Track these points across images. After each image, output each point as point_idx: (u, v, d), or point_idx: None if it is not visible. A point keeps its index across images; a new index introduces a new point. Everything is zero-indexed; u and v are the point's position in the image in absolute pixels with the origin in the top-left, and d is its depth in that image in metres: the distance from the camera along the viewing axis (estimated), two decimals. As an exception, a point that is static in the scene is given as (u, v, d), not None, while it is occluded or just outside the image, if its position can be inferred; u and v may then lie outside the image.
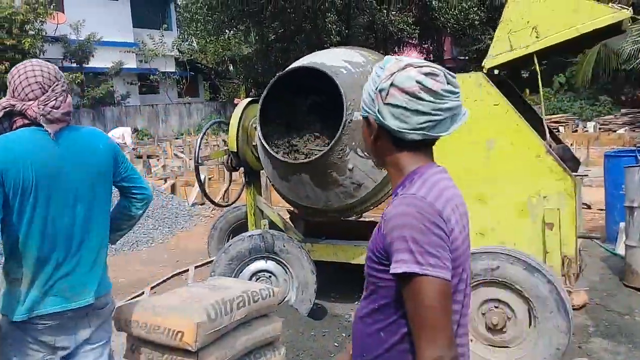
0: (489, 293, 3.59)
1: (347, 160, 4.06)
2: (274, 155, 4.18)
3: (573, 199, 3.59)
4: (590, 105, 21.52)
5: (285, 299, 4.44)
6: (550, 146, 3.76)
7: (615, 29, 3.92)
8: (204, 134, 5.43)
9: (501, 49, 3.81)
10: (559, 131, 17.07)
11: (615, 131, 18.06)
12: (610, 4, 3.61)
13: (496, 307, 3.57)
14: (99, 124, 24.94)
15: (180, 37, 29.41)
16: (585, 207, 7.93)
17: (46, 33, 22.50)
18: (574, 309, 4.48)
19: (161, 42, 28.13)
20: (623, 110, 20.30)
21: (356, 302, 5.02)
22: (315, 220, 5.17)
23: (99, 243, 2.41)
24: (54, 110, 2.20)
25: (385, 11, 25.02)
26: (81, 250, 2.31)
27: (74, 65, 25.05)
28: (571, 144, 12.84)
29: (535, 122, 4.01)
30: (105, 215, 2.43)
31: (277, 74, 4.24)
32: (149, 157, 14.35)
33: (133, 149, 13.95)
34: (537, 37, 3.70)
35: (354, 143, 4.02)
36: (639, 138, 14.69)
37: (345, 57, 4.41)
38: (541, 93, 3.97)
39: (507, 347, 3.57)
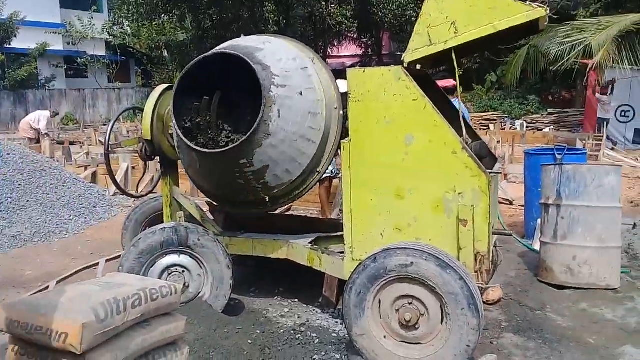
0: (403, 289, 3.55)
1: (265, 150, 3.93)
2: (188, 144, 4.00)
3: (487, 195, 3.60)
4: (519, 104, 22.24)
5: (199, 295, 4.28)
6: (467, 143, 3.76)
7: (533, 28, 3.95)
8: (116, 120, 5.17)
9: (420, 44, 3.75)
10: (488, 128, 17.56)
11: (541, 130, 18.73)
12: (528, 2, 3.61)
13: (409, 304, 3.54)
14: (20, 108, 23.75)
15: (112, 20, 28.34)
16: (507, 203, 8.14)
17: (-36, 9, 21.17)
18: (489, 304, 4.56)
19: (90, 24, 26.99)
20: (550, 110, 21.11)
21: (275, 297, 4.92)
22: (235, 213, 5.01)
23: None
24: None
25: (324, 3, 24.94)
26: None
27: (-5, 44, 23.71)
28: (498, 141, 13.19)
29: (454, 119, 3.99)
30: None
31: (192, 61, 4.05)
32: (71, 143, 13.72)
33: (46, 134, 13.27)
34: (455, 32, 3.66)
35: (271, 133, 3.89)
36: (562, 137, 15.27)
37: (268, 42, 4.28)
38: (459, 89, 3.97)
39: (419, 343, 3.55)
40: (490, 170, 3.74)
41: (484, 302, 3.81)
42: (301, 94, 4.00)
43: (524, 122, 19.78)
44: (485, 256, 3.62)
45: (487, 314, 4.15)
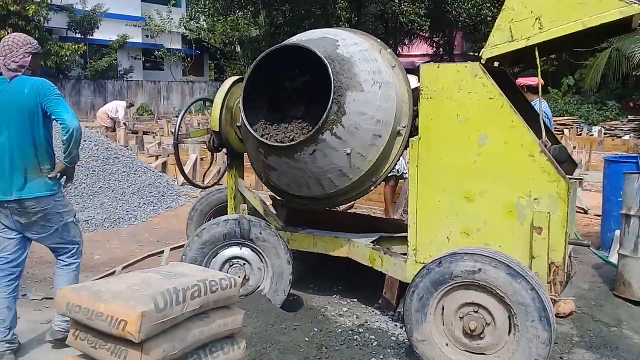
0: (469, 296, 3.38)
1: (285, 167, 3.99)
2: (255, 136, 3.97)
3: (565, 203, 3.38)
4: (598, 109, 21.22)
5: (259, 288, 4.25)
6: (545, 146, 3.54)
7: (625, 26, 3.68)
8: (186, 110, 5.22)
9: (501, 39, 3.56)
10: (563, 133, 16.82)
11: (620, 137, 17.79)
12: (621, -2, 3.35)
13: (475, 312, 3.36)
14: (99, 97, 24.75)
15: (189, 14, 29.10)
16: (582, 211, 7.73)
17: (51, 1, 22.25)
18: (560, 317, 4.31)
19: (168, 18, 27.83)
20: (630, 117, 20.02)
21: (334, 296, 4.84)
22: (298, 208, 4.96)
23: (22, 159, 3.47)
24: (12, 63, 3.46)
25: (397, 1, 24.61)
26: (8, 163, 3.45)
27: (78, 35, 24.80)
28: (574, 147, 12.60)
29: (533, 120, 3.78)
30: (29, 140, 3.46)
31: (263, 52, 4.01)
32: (145, 133, 14.14)
33: (124, 123, 13.72)
34: (540, 28, 3.45)
35: (296, 160, 3.89)
36: (643, 145, 14.41)
37: (341, 35, 4.18)
38: (539, 88, 3.74)
39: (483, 354, 3.37)
40: (569, 176, 3.51)
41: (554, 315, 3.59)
42: (348, 154, 3.90)
43: (602, 129, 18.84)
44: (560, 267, 3.41)
45: (557, 328, 3.91)
